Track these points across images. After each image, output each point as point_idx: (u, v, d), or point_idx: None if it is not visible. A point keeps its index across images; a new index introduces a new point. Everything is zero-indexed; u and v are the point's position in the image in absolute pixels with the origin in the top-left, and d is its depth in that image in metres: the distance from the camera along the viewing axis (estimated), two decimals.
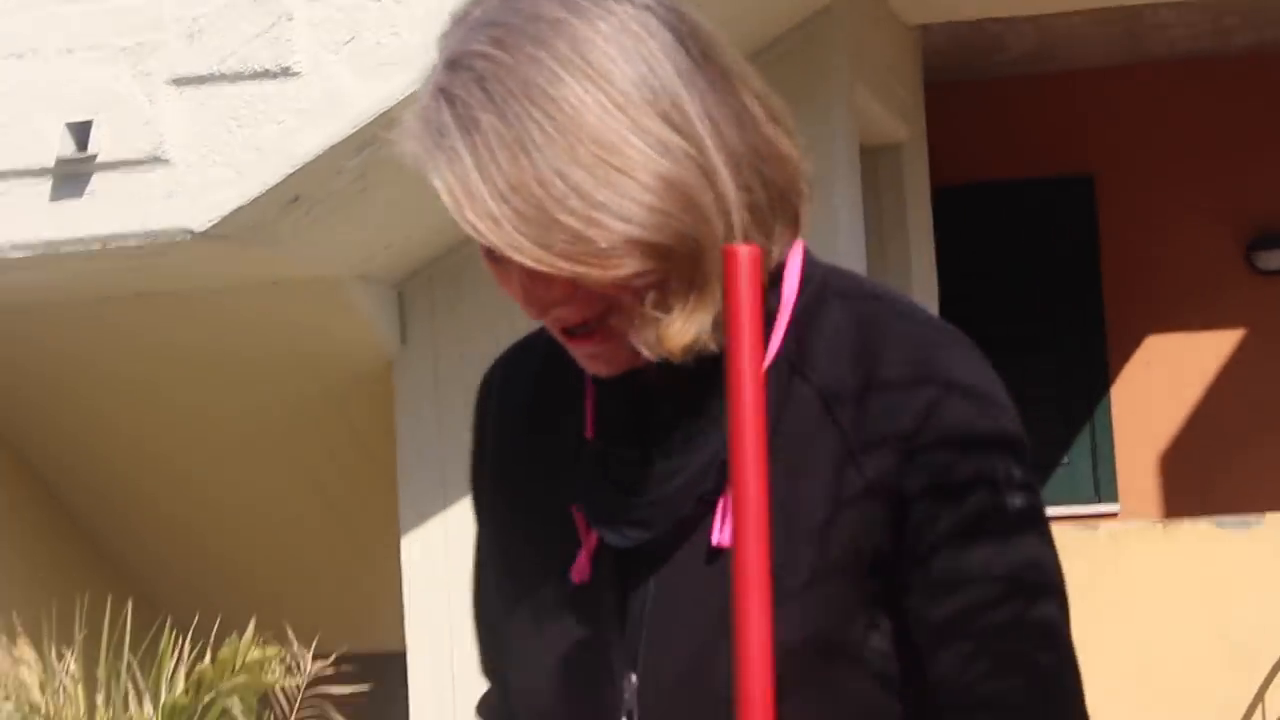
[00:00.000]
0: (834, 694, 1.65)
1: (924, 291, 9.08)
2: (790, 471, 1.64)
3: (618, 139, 1.61)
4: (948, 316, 1.93)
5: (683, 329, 1.63)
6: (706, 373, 1.66)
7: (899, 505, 1.64)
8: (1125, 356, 10.76)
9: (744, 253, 1.47)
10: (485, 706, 1.92)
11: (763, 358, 1.47)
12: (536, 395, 1.80)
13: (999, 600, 1.63)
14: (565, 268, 1.61)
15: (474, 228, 1.61)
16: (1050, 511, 1.71)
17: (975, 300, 10.21)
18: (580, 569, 1.71)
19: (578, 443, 1.74)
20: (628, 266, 1.61)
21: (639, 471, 1.68)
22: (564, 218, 1.59)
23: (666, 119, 1.63)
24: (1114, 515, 10.61)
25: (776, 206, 1.68)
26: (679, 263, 1.62)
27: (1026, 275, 10.81)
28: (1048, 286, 10.80)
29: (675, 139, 1.62)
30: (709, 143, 1.64)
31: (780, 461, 1.59)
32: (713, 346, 1.64)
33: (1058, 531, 1.71)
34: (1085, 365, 10.76)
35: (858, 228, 7.97)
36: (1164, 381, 10.69)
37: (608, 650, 1.69)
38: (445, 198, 1.62)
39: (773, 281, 1.69)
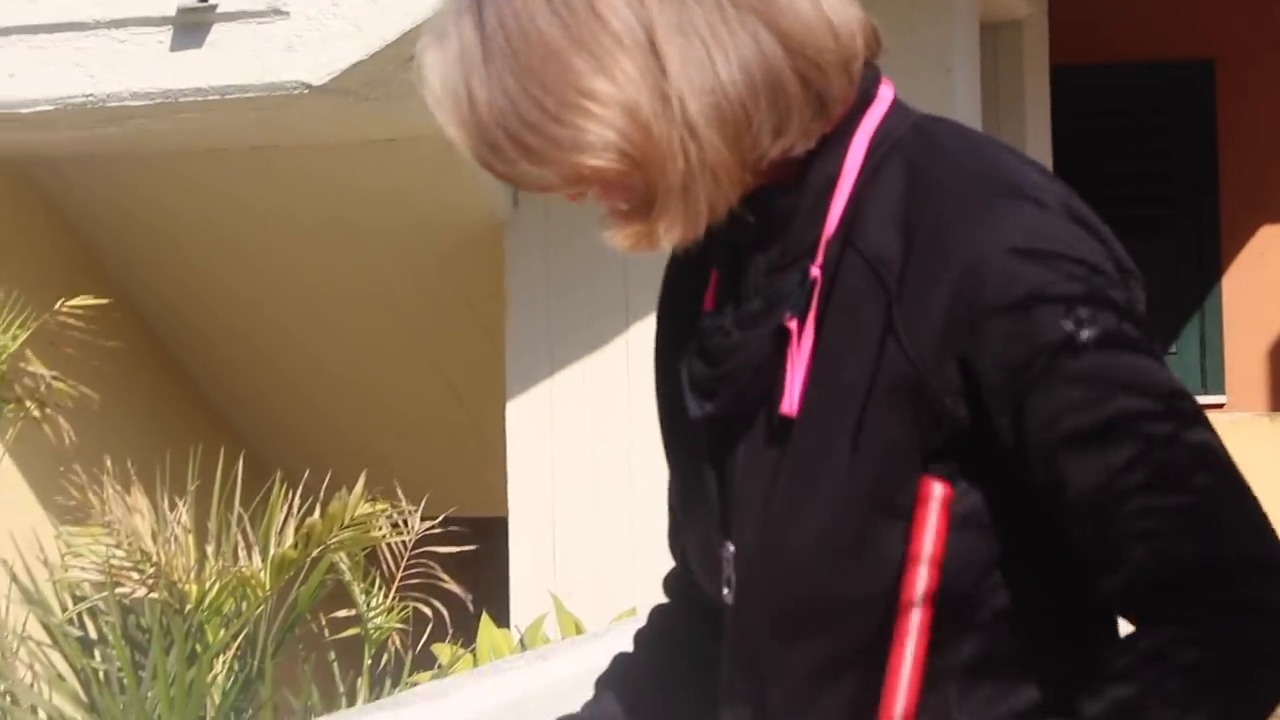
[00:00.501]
0: (890, 551, 1.64)
1: None
2: (841, 342, 1.67)
3: (562, 55, 1.61)
4: None
5: (628, 234, 1.68)
6: (792, 257, 1.70)
7: (960, 369, 1.62)
8: (1239, 246, 10.61)
9: (936, 491, 1.61)
10: (667, 580, 1.97)
11: (935, 585, 1.61)
12: (687, 273, 1.83)
13: (1108, 444, 1.58)
14: (514, 175, 1.65)
15: (450, 134, 1.65)
16: None
17: (1089, 182, 10.06)
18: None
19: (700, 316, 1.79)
20: (561, 176, 1.65)
21: (722, 343, 1.72)
22: (497, 133, 1.62)
23: (625, 37, 1.62)
24: (1220, 407, 10.50)
25: (798, 108, 1.66)
26: (622, 178, 1.65)
27: (1142, 159, 10.66)
28: (1163, 172, 10.65)
29: (628, 59, 1.62)
30: (675, 63, 1.62)
31: (832, 333, 1.66)
32: (668, 249, 1.70)
33: None
34: (1198, 254, 10.62)
35: (975, 104, 7.88)
36: (1277, 273, 10.53)
37: (714, 518, 1.74)
38: (429, 102, 1.65)
39: (835, 149, 1.69)
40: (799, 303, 1.68)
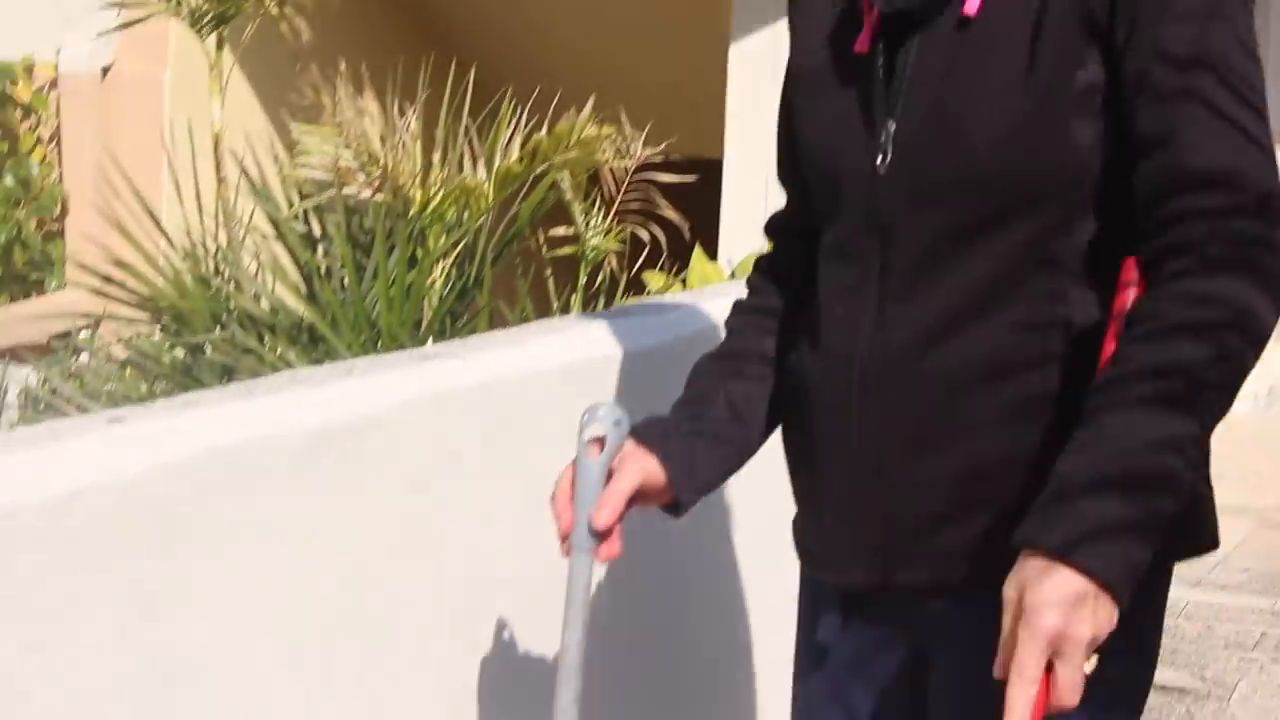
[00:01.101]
0: (1039, 140, 1.93)
1: None
2: None
3: None
4: None
5: None
6: None
7: None
8: None
9: (1135, 274, 1.90)
10: (771, 224, 2.34)
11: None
12: None
13: (1190, 68, 1.90)
14: None
15: None
16: None
17: None
18: (862, 41, 2.07)
19: None
20: None
21: None
22: None
23: None
24: None
25: None
26: None
27: None
28: None
29: None
30: None
31: None
32: None
33: None
34: None
35: None
36: None
37: (875, 102, 2.05)
38: None
39: None
40: None
